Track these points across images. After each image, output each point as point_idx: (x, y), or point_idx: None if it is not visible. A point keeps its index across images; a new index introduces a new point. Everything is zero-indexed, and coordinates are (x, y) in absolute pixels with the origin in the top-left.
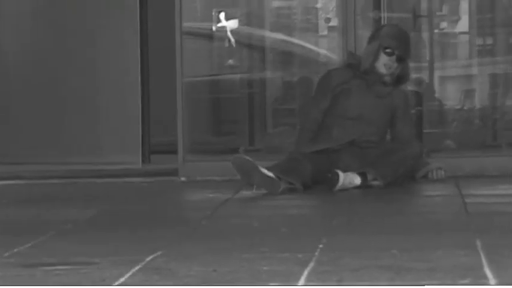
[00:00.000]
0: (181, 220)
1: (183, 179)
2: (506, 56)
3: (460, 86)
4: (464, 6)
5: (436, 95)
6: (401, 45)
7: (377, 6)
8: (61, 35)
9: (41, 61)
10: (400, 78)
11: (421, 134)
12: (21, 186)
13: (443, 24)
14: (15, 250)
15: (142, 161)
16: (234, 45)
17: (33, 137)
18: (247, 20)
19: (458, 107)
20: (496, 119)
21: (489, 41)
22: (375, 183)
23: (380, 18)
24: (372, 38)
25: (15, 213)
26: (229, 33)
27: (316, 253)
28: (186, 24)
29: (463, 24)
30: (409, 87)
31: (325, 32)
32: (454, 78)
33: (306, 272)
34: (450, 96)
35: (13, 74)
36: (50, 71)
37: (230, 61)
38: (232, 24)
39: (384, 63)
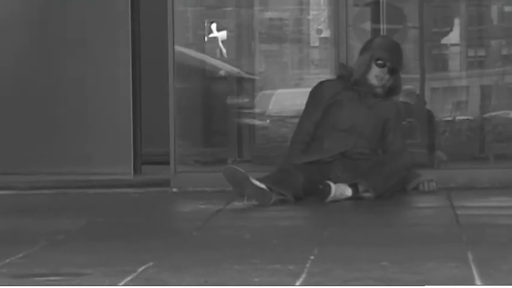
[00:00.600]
0: (172, 231)
1: (174, 189)
2: (497, 68)
3: (451, 98)
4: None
5: (427, 106)
6: (393, 57)
7: (375, 18)
8: (51, 46)
9: (32, 72)
10: (391, 90)
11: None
12: (13, 197)
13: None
14: (6, 261)
15: (134, 172)
16: (225, 55)
17: (25, 147)
18: (238, 31)
19: (449, 118)
20: (487, 130)
21: (480, 52)
22: (366, 194)
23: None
24: (363, 50)
25: (7, 223)
26: (220, 44)
27: (308, 264)
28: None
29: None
30: (401, 98)
31: (317, 43)
32: (445, 90)
33: (297, 284)
34: (441, 107)
35: (3, 84)
36: (40, 82)
37: (221, 72)
38: (224, 35)
39: (376, 75)
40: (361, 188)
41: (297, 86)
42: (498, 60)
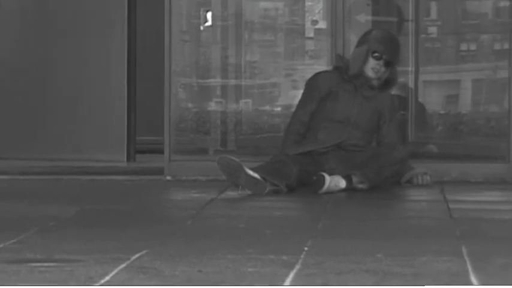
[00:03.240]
0: (166, 219)
1: (168, 178)
2: (490, 62)
3: (444, 91)
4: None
5: (420, 99)
6: (390, 50)
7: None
8: (46, 35)
9: (26, 60)
10: (387, 83)
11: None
12: (5, 182)
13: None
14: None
15: (128, 159)
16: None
17: (18, 132)
18: (233, 20)
19: (442, 112)
20: (480, 124)
21: (473, 46)
22: (360, 186)
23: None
24: (360, 42)
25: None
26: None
27: (302, 256)
28: None
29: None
30: (394, 91)
31: (312, 35)
32: (439, 83)
33: (291, 275)
34: (434, 101)
35: None
36: (35, 69)
37: None
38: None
39: (372, 67)
40: (355, 180)
41: (289, 76)
42: (491, 54)
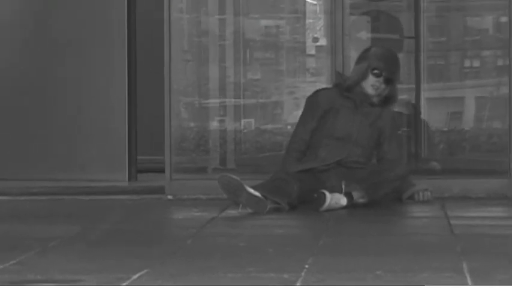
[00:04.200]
0: (167, 238)
1: (169, 197)
2: (493, 79)
3: (447, 108)
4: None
5: (423, 116)
6: (389, 67)
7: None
8: (45, 52)
9: (26, 78)
10: (387, 100)
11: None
12: (7, 203)
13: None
14: (0, 267)
15: (129, 179)
16: None
17: (19, 153)
18: (235, 39)
19: (444, 129)
20: (482, 141)
21: (476, 63)
22: (360, 200)
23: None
24: (360, 59)
25: (0, 229)
26: None
27: (303, 273)
28: None
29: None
30: (396, 108)
31: (313, 52)
32: (441, 100)
33: None
34: (437, 118)
35: None
36: (35, 88)
37: None
38: None
39: (372, 84)
40: (355, 195)
41: (291, 94)
42: (493, 70)
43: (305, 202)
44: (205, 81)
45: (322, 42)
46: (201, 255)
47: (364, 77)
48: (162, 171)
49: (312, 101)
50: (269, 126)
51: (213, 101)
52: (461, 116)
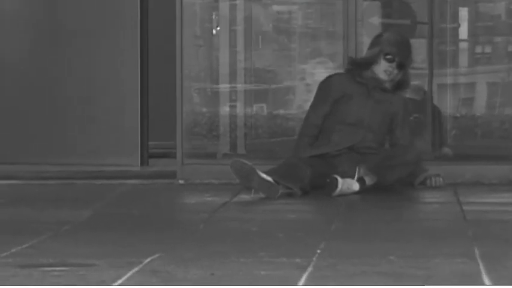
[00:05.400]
0: (179, 223)
1: (181, 181)
2: (505, 65)
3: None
4: (464, 14)
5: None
6: (402, 52)
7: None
8: (59, 39)
9: (40, 62)
10: (400, 85)
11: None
12: (18, 187)
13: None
14: (12, 250)
15: (141, 164)
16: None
17: (32, 138)
18: (247, 24)
19: (457, 115)
20: (494, 127)
21: (488, 49)
22: (370, 182)
23: None
24: (372, 44)
25: (12, 213)
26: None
27: (314, 258)
28: None
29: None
30: (408, 94)
31: (325, 37)
32: (453, 86)
33: (303, 277)
34: (448, 104)
35: (10, 75)
36: (48, 73)
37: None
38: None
39: (384, 70)
40: (368, 180)
41: (303, 80)
42: (505, 57)
43: (317, 187)
44: (217, 66)
45: (335, 28)
46: (213, 240)
47: (376, 61)
48: (173, 156)
49: (324, 86)
50: (281, 112)
51: (225, 86)
52: (473, 102)
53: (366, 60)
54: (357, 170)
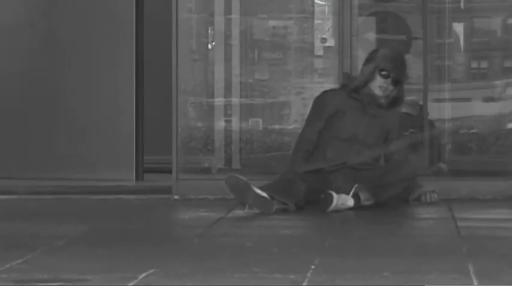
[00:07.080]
0: (174, 238)
1: (176, 197)
2: (501, 80)
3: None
4: (459, 29)
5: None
6: (397, 68)
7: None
8: (54, 53)
9: (35, 77)
10: (395, 101)
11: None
12: (14, 201)
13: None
14: (6, 265)
15: (136, 179)
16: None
17: (27, 152)
18: (242, 38)
19: (452, 130)
20: (490, 143)
21: (484, 64)
22: (367, 202)
23: None
24: (367, 60)
25: (8, 228)
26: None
27: (309, 274)
28: None
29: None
30: (403, 109)
31: (321, 53)
32: (450, 101)
33: None
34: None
35: (6, 88)
36: (43, 88)
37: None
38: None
39: (379, 85)
40: (362, 197)
41: (299, 94)
42: (501, 72)
43: (312, 203)
44: (212, 81)
45: (330, 43)
46: (208, 255)
47: (372, 78)
48: (169, 171)
49: (319, 101)
50: (277, 126)
51: (220, 101)
52: (468, 118)
53: (362, 82)
54: (355, 186)
